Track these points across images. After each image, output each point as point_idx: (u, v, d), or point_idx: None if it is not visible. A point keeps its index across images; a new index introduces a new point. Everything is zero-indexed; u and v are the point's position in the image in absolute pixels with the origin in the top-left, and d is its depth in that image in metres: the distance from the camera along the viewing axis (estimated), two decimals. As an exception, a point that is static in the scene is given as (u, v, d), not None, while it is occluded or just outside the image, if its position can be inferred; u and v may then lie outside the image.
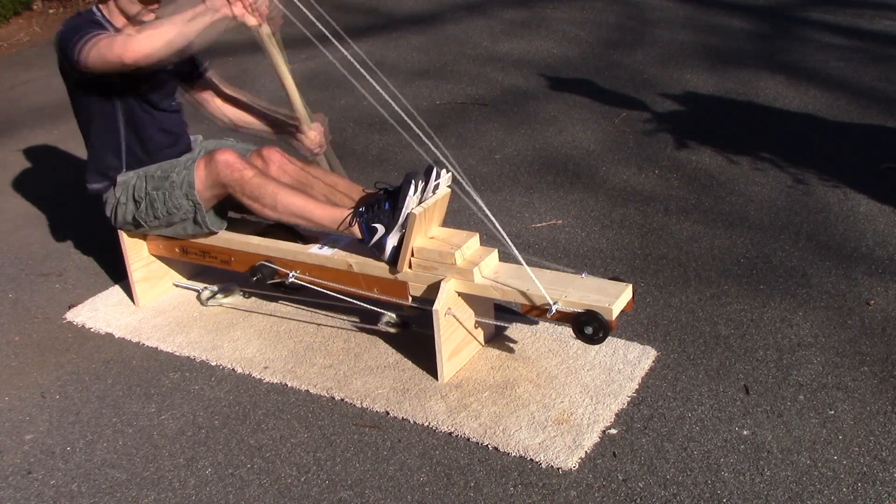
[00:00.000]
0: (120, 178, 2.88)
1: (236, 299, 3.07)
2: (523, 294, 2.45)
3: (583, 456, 2.24)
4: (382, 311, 2.73)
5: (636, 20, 6.10)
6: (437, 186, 2.55)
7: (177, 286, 3.20)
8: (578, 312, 2.36)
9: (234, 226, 2.93)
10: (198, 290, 3.10)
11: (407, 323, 2.74)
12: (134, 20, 2.76)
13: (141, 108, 2.85)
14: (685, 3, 6.39)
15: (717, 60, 5.20)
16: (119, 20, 2.78)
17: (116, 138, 2.86)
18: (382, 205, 2.56)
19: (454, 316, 2.54)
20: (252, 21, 2.62)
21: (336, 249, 2.72)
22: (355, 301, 2.71)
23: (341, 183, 2.86)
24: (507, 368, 2.61)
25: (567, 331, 2.46)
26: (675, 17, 6.10)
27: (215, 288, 3.08)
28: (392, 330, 2.74)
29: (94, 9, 2.78)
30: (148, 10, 2.75)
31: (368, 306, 2.72)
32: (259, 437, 2.42)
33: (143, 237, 3.02)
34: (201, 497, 2.23)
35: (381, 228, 2.55)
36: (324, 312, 2.94)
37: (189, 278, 3.23)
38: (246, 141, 3.09)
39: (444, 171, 2.57)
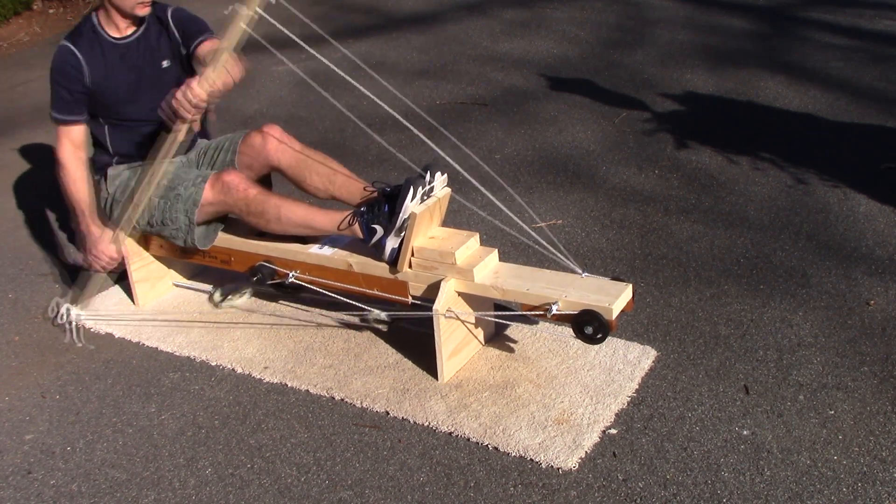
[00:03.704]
0: (111, 172, 2.94)
1: (246, 300, 3.04)
2: (523, 294, 2.45)
3: (583, 456, 2.24)
4: (370, 308, 2.71)
5: (636, 20, 6.10)
6: (430, 191, 2.55)
7: (177, 286, 3.20)
8: (578, 312, 2.36)
9: (233, 226, 2.93)
10: (209, 293, 3.08)
11: (396, 320, 2.73)
12: (130, 15, 2.85)
13: (123, 123, 2.93)
14: (685, 3, 6.38)
15: (717, 60, 5.20)
16: (119, 20, 2.86)
17: (104, 141, 2.97)
18: (381, 206, 2.57)
19: (455, 315, 2.54)
20: None
21: (336, 249, 2.72)
22: (355, 301, 2.71)
23: (341, 171, 2.85)
24: (507, 368, 2.61)
25: (567, 331, 2.46)
26: (675, 17, 6.09)
27: (226, 289, 3.04)
28: (381, 326, 2.74)
29: (94, 17, 2.88)
30: (141, 5, 2.82)
31: (368, 307, 2.72)
32: (259, 437, 2.42)
33: (144, 237, 3.02)
34: (201, 497, 2.23)
35: (379, 230, 2.56)
36: (324, 312, 2.94)
37: (189, 278, 3.23)
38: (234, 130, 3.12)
39: (438, 173, 2.57)
